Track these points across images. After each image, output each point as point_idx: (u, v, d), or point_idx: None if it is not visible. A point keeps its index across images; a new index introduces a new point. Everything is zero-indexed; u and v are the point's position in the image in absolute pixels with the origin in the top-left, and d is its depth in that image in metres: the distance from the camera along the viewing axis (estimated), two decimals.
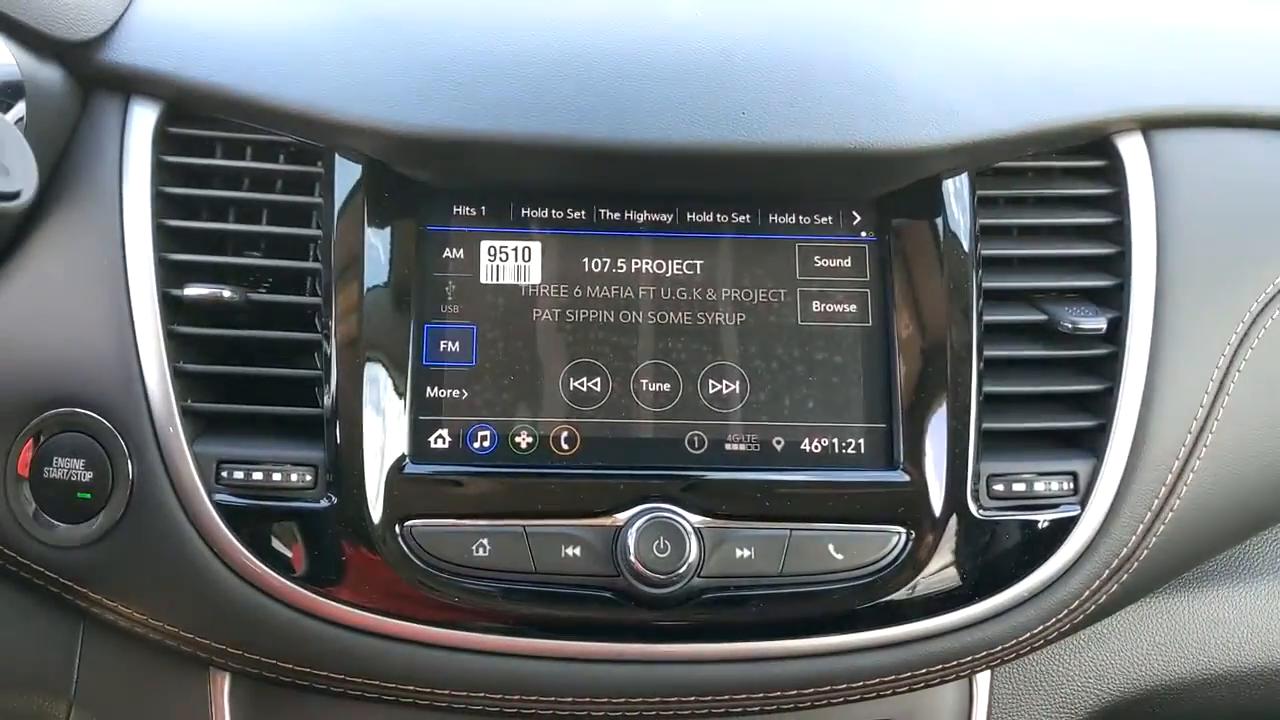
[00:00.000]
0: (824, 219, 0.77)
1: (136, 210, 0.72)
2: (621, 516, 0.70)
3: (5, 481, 0.70)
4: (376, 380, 0.71)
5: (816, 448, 0.73)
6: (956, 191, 0.76)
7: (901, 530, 0.72)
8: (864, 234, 0.77)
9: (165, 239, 0.73)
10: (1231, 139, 0.81)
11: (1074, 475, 0.74)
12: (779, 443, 0.73)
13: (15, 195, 0.57)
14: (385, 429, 0.70)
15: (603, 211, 0.76)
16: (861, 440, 0.73)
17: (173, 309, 0.72)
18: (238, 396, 0.72)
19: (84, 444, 0.69)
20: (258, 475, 0.70)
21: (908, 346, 0.74)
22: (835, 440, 0.73)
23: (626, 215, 0.76)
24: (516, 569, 0.70)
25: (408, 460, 0.71)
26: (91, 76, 0.74)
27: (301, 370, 0.72)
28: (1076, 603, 0.74)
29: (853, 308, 0.75)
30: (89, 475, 0.69)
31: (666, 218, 0.76)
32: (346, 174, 0.73)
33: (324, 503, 0.70)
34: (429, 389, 0.72)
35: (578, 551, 0.70)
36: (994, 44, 0.81)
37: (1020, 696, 0.81)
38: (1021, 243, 0.79)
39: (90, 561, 0.70)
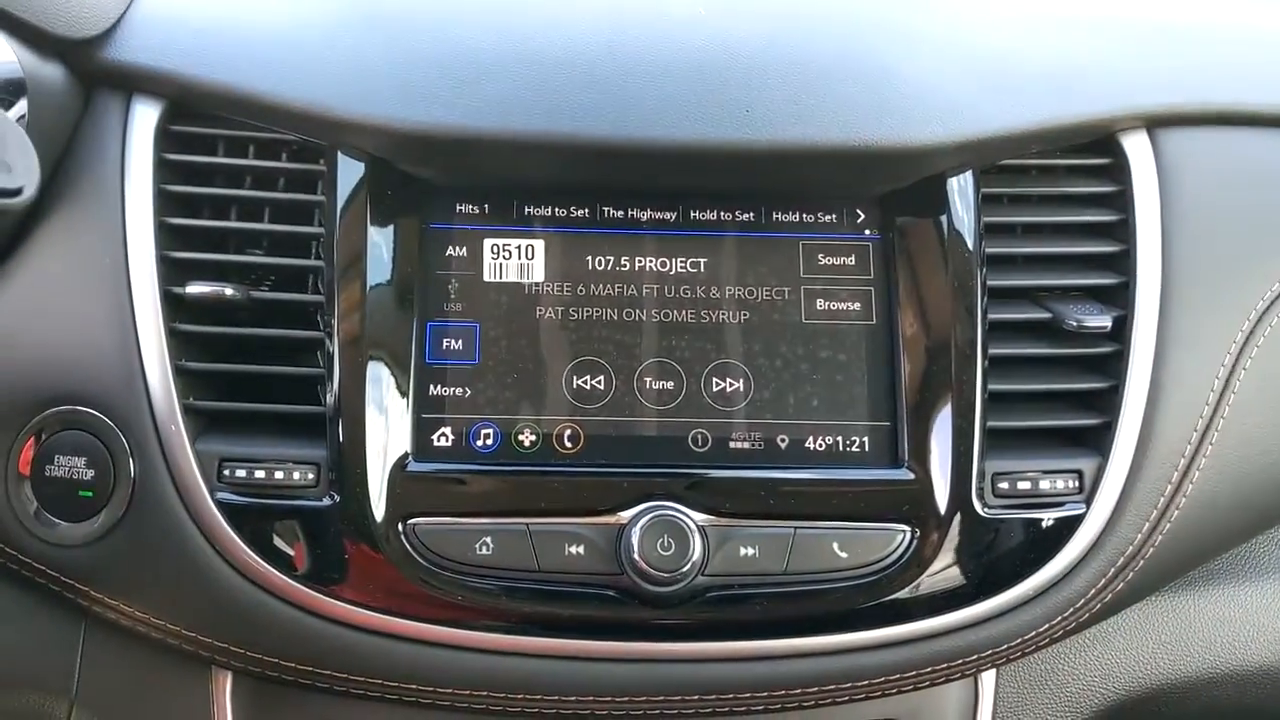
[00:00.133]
0: (828, 217, 0.77)
1: (138, 208, 0.72)
2: (625, 515, 0.70)
3: (6, 480, 0.69)
4: (379, 378, 0.71)
5: (821, 446, 0.73)
6: (961, 189, 0.75)
7: (906, 529, 0.71)
8: (868, 232, 0.76)
9: (167, 237, 0.72)
10: (1236, 137, 0.81)
11: (1079, 473, 0.74)
12: (783, 441, 0.73)
13: (17, 192, 0.57)
14: (388, 427, 0.70)
15: (606, 209, 0.76)
16: (866, 438, 0.73)
17: (174, 307, 0.71)
18: (240, 395, 0.72)
19: (86, 442, 0.69)
20: (260, 473, 0.70)
21: (912, 344, 0.74)
22: (839, 438, 0.73)
23: (630, 213, 0.76)
24: (520, 567, 0.70)
25: (410, 458, 0.71)
26: (93, 74, 0.74)
27: (304, 368, 0.72)
28: (1082, 601, 0.74)
29: (857, 306, 0.75)
30: (90, 473, 0.69)
31: (670, 216, 0.76)
32: (349, 172, 0.73)
33: (326, 501, 0.70)
34: (432, 387, 0.72)
35: (581, 550, 0.70)
36: (998, 41, 0.81)
37: (1025, 695, 0.81)
38: (1026, 240, 0.79)
39: (92, 560, 0.69)
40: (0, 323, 0.70)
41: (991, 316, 0.75)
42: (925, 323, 0.74)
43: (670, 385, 0.73)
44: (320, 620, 0.70)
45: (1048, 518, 0.73)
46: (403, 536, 0.69)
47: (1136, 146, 0.79)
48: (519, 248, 0.75)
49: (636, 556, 0.69)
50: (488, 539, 0.70)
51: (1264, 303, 0.77)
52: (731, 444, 0.73)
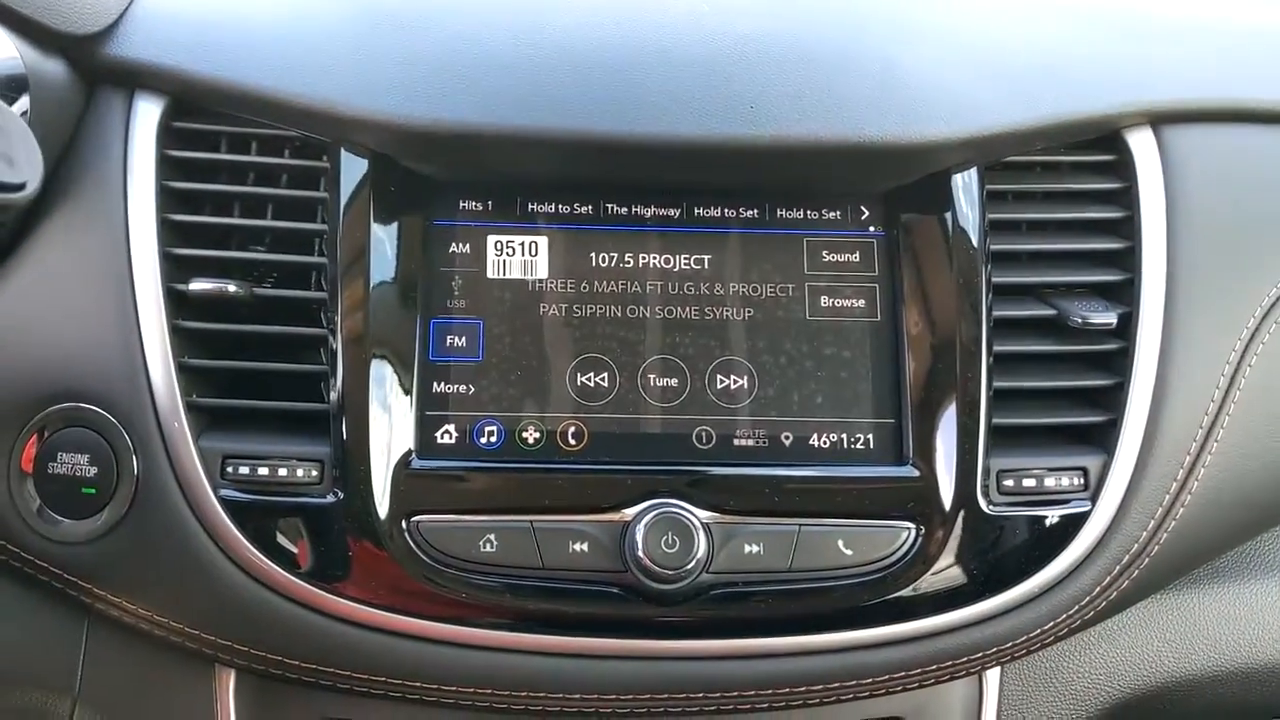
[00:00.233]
0: (832, 214, 0.77)
1: (141, 205, 0.72)
2: (629, 512, 0.70)
3: (9, 477, 0.69)
4: (382, 375, 0.71)
5: (825, 443, 0.73)
6: (965, 186, 0.75)
7: (911, 526, 0.71)
8: (872, 229, 0.76)
9: (170, 234, 0.72)
10: (1242, 133, 0.80)
11: (1084, 471, 0.74)
12: (787, 438, 0.73)
13: (21, 187, 0.57)
14: (391, 424, 0.70)
15: (609, 206, 0.76)
16: (871, 435, 0.73)
17: (177, 304, 0.71)
18: (243, 392, 0.71)
19: (88, 439, 0.69)
20: (263, 470, 0.69)
21: (917, 342, 0.73)
22: (844, 435, 0.73)
23: (633, 210, 0.76)
24: (524, 565, 0.70)
25: (414, 455, 0.70)
26: (96, 70, 0.74)
27: (307, 365, 0.72)
28: (1087, 599, 0.74)
29: (861, 303, 0.75)
30: (93, 471, 0.69)
31: (674, 212, 0.76)
32: (352, 168, 0.73)
33: (330, 498, 0.69)
34: (435, 384, 0.72)
35: (585, 547, 0.70)
36: (1003, 38, 0.81)
37: (1030, 693, 0.81)
38: (1031, 238, 0.78)
39: (95, 557, 0.69)
40: (2, 320, 0.70)
41: (996, 313, 0.74)
42: (930, 320, 0.74)
43: (674, 382, 0.73)
44: (323, 618, 0.70)
45: (1053, 515, 0.73)
46: (406, 534, 0.69)
47: (1141, 143, 0.79)
48: (522, 244, 0.75)
49: (641, 554, 0.69)
50: (491, 536, 0.69)
51: (1269, 299, 0.77)
52: (736, 441, 0.73)
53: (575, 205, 0.76)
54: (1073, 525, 0.73)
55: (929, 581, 0.71)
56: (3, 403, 0.69)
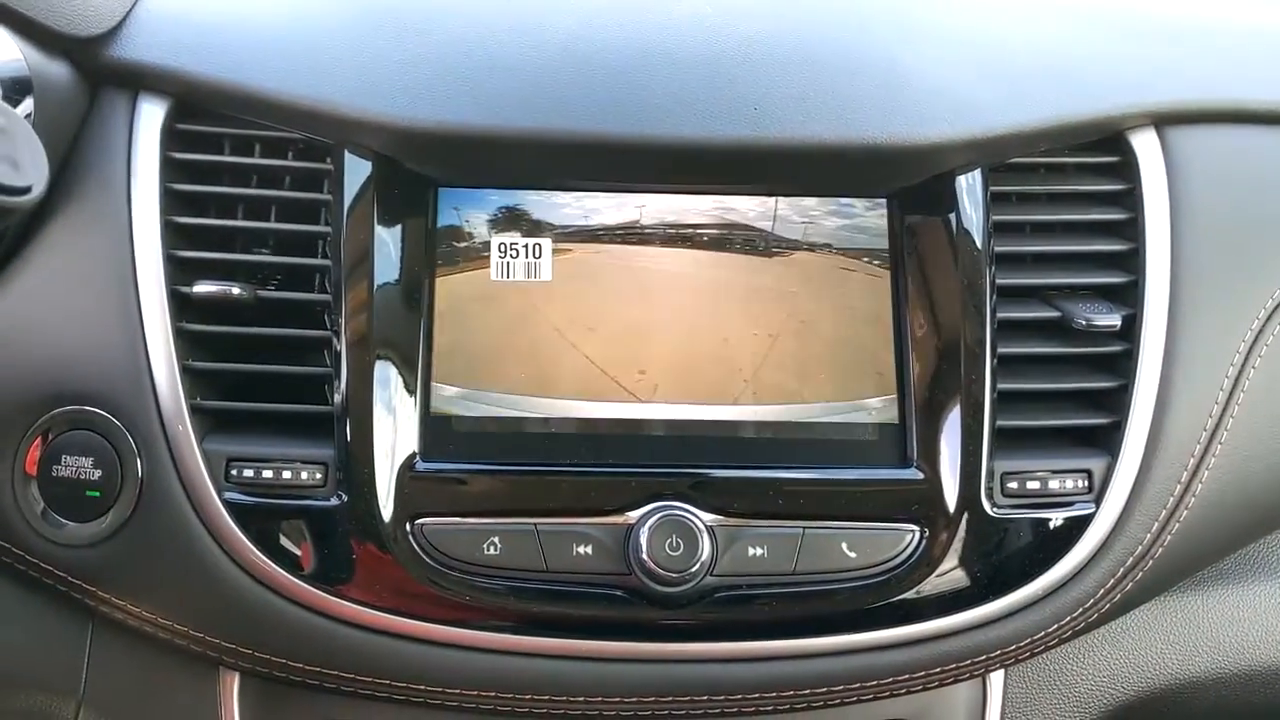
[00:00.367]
0: (835, 215, 0.76)
1: (145, 207, 0.72)
2: (633, 514, 0.70)
3: (13, 480, 0.69)
4: (387, 378, 0.70)
5: (829, 445, 0.73)
6: (969, 187, 0.75)
7: (915, 528, 0.71)
8: (876, 230, 0.76)
9: (174, 236, 0.72)
10: (1246, 134, 0.80)
11: (1088, 473, 0.74)
12: (791, 440, 0.73)
13: (26, 190, 0.57)
14: (396, 426, 0.70)
15: (613, 208, 0.76)
16: (875, 437, 0.73)
17: (181, 306, 0.71)
18: (247, 394, 0.71)
19: (93, 442, 0.69)
20: (268, 473, 0.69)
21: (920, 343, 0.73)
22: (848, 437, 0.73)
23: (638, 211, 0.76)
24: (528, 567, 0.70)
25: (418, 458, 0.70)
26: (99, 72, 0.74)
27: (311, 368, 0.72)
28: (1091, 601, 0.74)
29: (865, 304, 0.75)
30: (98, 473, 0.69)
31: (677, 215, 0.76)
32: (356, 170, 0.73)
33: (334, 501, 0.69)
34: (439, 386, 0.72)
35: (589, 550, 0.70)
36: (1006, 39, 0.81)
37: (1034, 696, 0.81)
38: (1035, 239, 0.78)
39: (99, 560, 0.69)
40: (6, 321, 0.70)
41: (1000, 315, 0.74)
42: (934, 321, 0.74)
43: (679, 385, 0.73)
44: (328, 620, 0.70)
45: (1057, 517, 0.73)
46: (410, 536, 0.69)
47: (1145, 144, 0.79)
48: (526, 246, 0.75)
49: (645, 556, 0.69)
50: (495, 539, 0.69)
51: (1273, 301, 0.77)
52: (739, 444, 0.73)
53: (578, 207, 0.76)
54: (1077, 528, 0.73)
55: (933, 584, 0.71)
56: (7, 405, 0.69)
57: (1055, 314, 0.75)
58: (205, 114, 0.75)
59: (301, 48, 0.74)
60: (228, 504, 0.69)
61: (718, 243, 0.75)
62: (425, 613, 0.70)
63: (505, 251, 0.74)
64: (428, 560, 0.69)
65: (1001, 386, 0.73)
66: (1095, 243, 0.78)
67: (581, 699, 0.71)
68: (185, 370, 0.70)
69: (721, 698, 0.72)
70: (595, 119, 0.71)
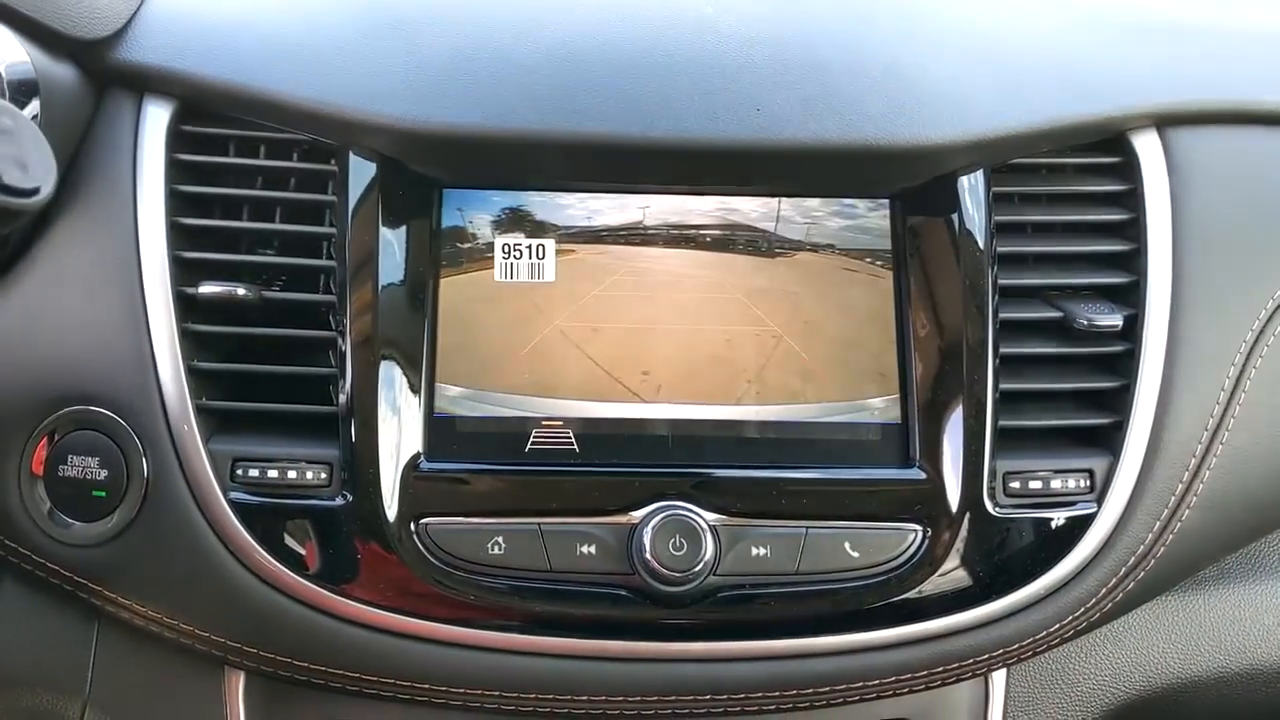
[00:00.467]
0: (838, 216, 0.77)
1: (150, 208, 0.72)
2: (637, 514, 0.70)
3: (20, 480, 0.69)
4: (391, 378, 0.71)
5: (832, 445, 0.73)
6: (971, 188, 0.75)
7: (918, 528, 0.72)
8: (878, 231, 0.76)
9: (179, 237, 0.72)
10: (1247, 135, 0.80)
11: (1090, 473, 0.74)
12: (794, 440, 0.73)
13: (34, 191, 0.57)
14: (400, 426, 0.70)
15: (616, 208, 0.76)
16: (877, 438, 0.73)
17: (187, 307, 0.71)
18: (252, 394, 0.72)
19: (99, 442, 0.69)
20: (273, 473, 0.70)
21: (923, 343, 0.74)
22: (851, 437, 0.73)
23: (641, 213, 0.76)
24: (531, 567, 0.70)
25: (423, 458, 0.71)
26: (105, 74, 0.74)
27: (316, 368, 0.72)
28: (1093, 600, 0.74)
29: (867, 304, 0.75)
30: (104, 473, 0.69)
31: (681, 215, 0.76)
32: (360, 172, 0.73)
33: (339, 500, 0.70)
34: (444, 387, 0.72)
35: (593, 549, 0.70)
36: (1008, 40, 0.81)
37: (1036, 695, 0.81)
38: (1037, 240, 0.79)
39: (105, 559, 0.70)
40: (13, 322, 0.70)
41: (1002, 315, 0.75)
42: (936, 321, 0.74)
43: (683, 385, 0.73)
44: (332, 620, 0.70)
45: (1059, 517, 0.73)
46: (415, 536, 0.70)
47: (1146, 145, 0.79)
48: (530, 247, 0.75)
49: (648, 556, 0.69)
50: (499, 539, 0.70)
51: (1275, 301, 0.77)
52: (743, 444, 0.73)
53: (582, 208, 0.76)
54: (1079, 527, 0.73)
55: (935, 583, 0.72)
56: (13, 406, 0.70)
57: (1057, 314, 0.76)
58: (210, 116, 0.75)
59: (306, 50, 0.75)
60: (233, 504, 0.69)
61: (721, 243, 0.76)
62: (429, 612, 0.70)
63: (509, 252, 0.75)
64: (432, 560, 0.69)
65: (1004, 386, 0.74)
66: (1097, 243, 0.78)
67: (585, 698, 0.72)
68: (190, 371, 0.70)
69: (725, 697, 0.72)
70: (598, 120, 0.72)
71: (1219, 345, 0.76)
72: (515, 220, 0.75)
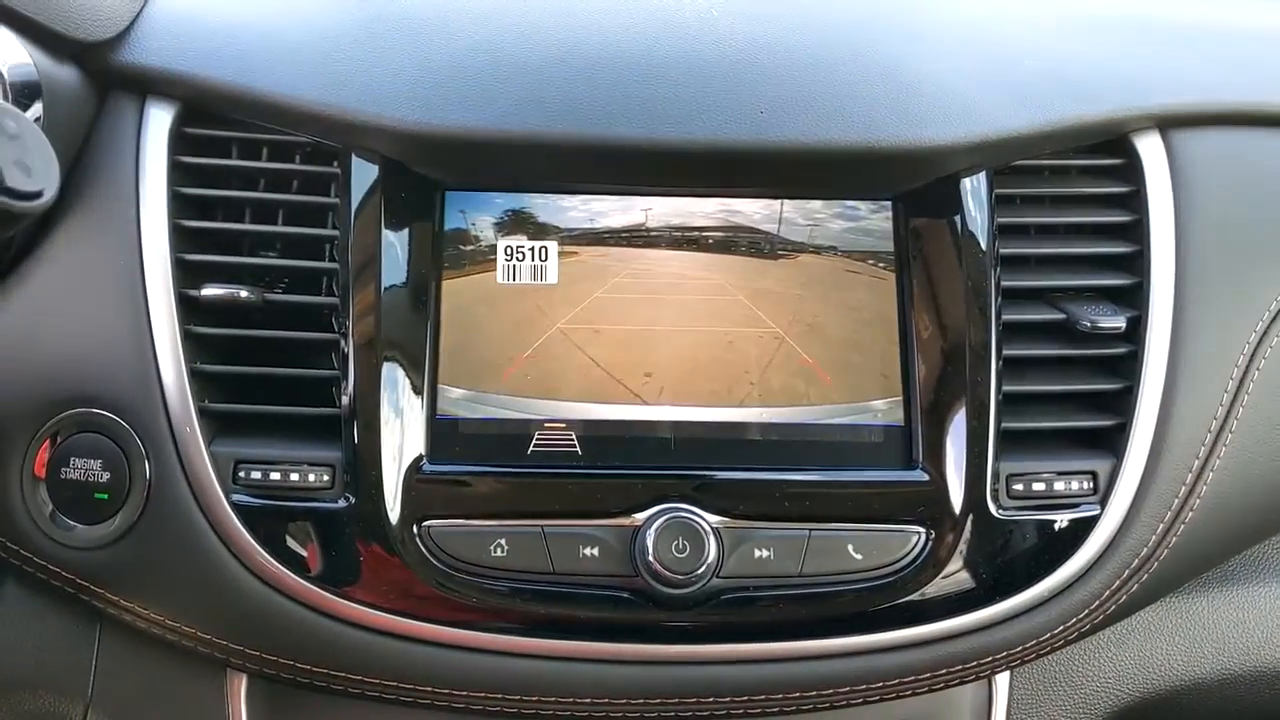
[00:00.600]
0: (841, 218, 0.77)
1: (153, 211, 0.72)
2: (640, 516, 0.70)
3: (22, 482, 0.69)
4: (394, 380, 0.71)
5: (835, 447, 0.73)
6: (974, 190, 0.75)
7: (921, 530, 0.71)
8: (881, 232, 0.76)
9: (181, 239, 0.72)
10: (1250, 137, 0.80)
11: (1094, 475, 0.74)
12: (797, 442, 0.73)
13: (38, 194, 0.57)
14: (403, 429, 0.70)
15: (619, 210, 0.76)
16: (880, 439, 0.73)
17: (189, 309, 0.71)
18: (255, 397, 0.72)
19: (101, 444, 0.69)
20: (275, 475, 0.70)
21: (926, 345, 0.74)
22: (854, 439, 0.73)
23: (644, 214, 0.76)
24: (534, 569, 0.70)
25: (425, 460, 0.71)
26: (108, 77, 0.74)
27: (319, 370, 0.72)
28: (1097, 603, 0.74)
29: (870, 306, 0.75)
30: (106, 476, 0.69)
31: (684, 217, 0.76)
32: (363, 174, 0.73)
33: (342, 503, 0.70)
34: (446, 389, 0.72)
35: (596, 552, 0.70)
36: (1011, 42, 0.81)
37: (1040, 697, 0.81)
38: (1039, 241, 0.79)
39: (107, 562, 0.69)
40: (15, 325, 0.70)
41: (1005, 317, 0.75)
42: (939, 323, 0.74)
43: (685, 387, 0.73)
44: (335, 622, 0.70)
45: (1062, 519, 0.73)
46: (418, 538, 0.69)
47: (1149, 147, 0.79)
48: (532, 249, 0.75)
49: (651, 559, 0.69)
50: (502, 541, 0.70)
51: (1278, 303, 0.77)
52: (745, 445, 0.73)
53: (585, 210, 0.76)
54: (1082, 529, 0.73)
55: (939, 586, 0.71)
56: (15, 408, 0.70)
57: (1060, 316, 0.76)
58: (213, 118, 0.75)
59: (309, 52, 0.75)
60: (235, 506, 0.69)
61: (723, 245, 0.76)
62: (432, 614, 0.70)
63: (511, 254, 0.75)
64: (435, 562, 0.69)
65: (1006, 388, 0.74)
66: (1100, 245, 0.78)
67: (588, 700, 0.72)
68: (193, 373, 0.70)
69: (728, 700, 0.72)
70: (601, 122, 0.72)
71: (1222, 346, 0.76)
72: (518, 222, 0.75)
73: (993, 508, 0.72)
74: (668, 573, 0.69)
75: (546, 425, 0.72)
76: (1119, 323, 0.75)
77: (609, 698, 0.72)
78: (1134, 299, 0.77)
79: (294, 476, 0.70)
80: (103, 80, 0.74)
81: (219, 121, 0.75)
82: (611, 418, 0.72)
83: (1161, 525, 0.74)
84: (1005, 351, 0.74)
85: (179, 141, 0.74)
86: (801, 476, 0.72)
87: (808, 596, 0.71)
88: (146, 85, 0.74)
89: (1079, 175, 0.80)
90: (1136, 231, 0.78)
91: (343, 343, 0.71)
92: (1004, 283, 0.75)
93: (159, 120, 0.74)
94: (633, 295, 0.74)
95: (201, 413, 0.70)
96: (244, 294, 0.71)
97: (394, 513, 0.69)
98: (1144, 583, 0.75)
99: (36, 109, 0.69)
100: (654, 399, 0.73)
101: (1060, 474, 0.73)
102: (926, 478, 0.72)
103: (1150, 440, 0.74)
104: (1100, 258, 0.78)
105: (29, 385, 0.70)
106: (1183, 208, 0.77)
